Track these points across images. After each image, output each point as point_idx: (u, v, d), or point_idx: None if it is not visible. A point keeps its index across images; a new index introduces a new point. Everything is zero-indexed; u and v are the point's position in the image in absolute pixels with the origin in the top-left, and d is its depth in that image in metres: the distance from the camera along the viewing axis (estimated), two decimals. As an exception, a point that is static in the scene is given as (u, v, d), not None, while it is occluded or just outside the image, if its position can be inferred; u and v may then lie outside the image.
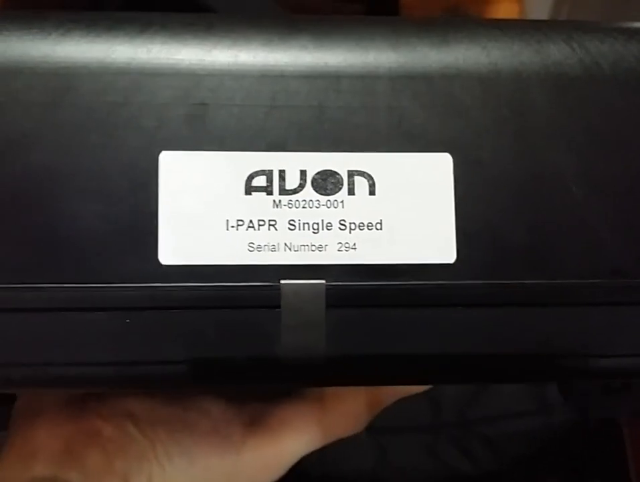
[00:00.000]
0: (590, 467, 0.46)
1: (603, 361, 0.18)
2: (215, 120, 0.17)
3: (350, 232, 0.17)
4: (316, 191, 0.17)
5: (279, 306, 0.17)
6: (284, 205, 0.17)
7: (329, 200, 0.17)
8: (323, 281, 0.17)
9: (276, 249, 0.17)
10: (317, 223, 0.17)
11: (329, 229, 0.17)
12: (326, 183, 0.17)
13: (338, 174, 0.17)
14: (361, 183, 0.17)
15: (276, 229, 0.17)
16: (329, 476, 0.43)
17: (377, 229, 0.17)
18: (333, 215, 0.17)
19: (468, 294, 0.17)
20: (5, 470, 0.21)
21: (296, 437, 0.23)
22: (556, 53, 0.18)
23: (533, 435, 0.46)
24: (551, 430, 0.46)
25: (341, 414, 0.24)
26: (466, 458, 0.46)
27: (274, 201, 0.17)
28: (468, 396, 0.43)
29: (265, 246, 0.17)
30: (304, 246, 0.17)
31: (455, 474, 0.46)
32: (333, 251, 0.17)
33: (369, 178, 0.17)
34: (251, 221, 0.17)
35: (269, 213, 0.17)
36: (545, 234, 0.18)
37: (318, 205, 0.17)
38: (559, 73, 0.18)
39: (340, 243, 0.17)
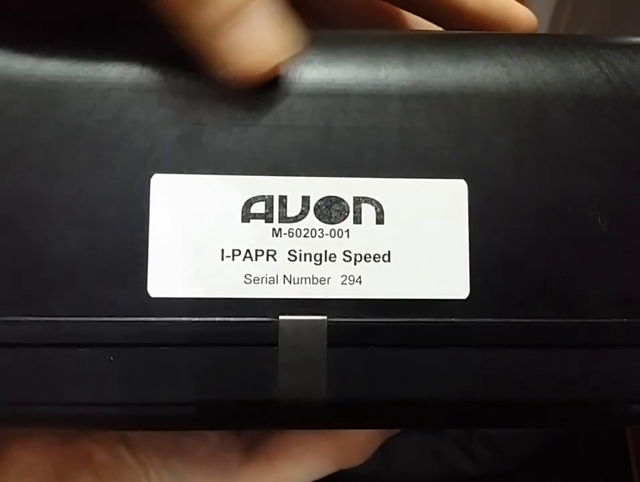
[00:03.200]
0: (592, 467, 0.46)
1: (632, 407, 0.17)
2: (211, 141, 0.16)
3: (355, 264, 0.16)
4: (320, 219, 0.16)
5: (277, 344, 0.16)
6: (285, 234, 0.16)
7: (332, 229, 0.16)
8: (325, 317, 0.16)
9: (275, 281, 0.16)
10: (320, 254, 0.16)
11: (332, 261, 0.16)
12: (330, 210, 0.16)
13: (343, 201, 0.16)
14: (368, 211, 0.16)
15: (275, 260, 0.16)
16: (333, 478, 0.42)
17: (384, 261, 0.16)
18: (336, 246, 0.16)
19: (482, 333, 0.16)
20: None
21: (295, 467, 0.22)
22: (583, 72, 0.17)
23: (536, 436, 0.46)
24: (553, 431, 0.46)
25: (344, 446, 0.23)
26: (470, 459, 0.46)
27: (274, 229, 0.16)
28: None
29: (263, 278, 0.16)
30: (305, 278, 0.16)
31: (458, 475, 0.46)
32: (336, 284, 0.16)
33: (377, 205, 0.16)
34: (248, 251, 0.16)
35: (268, 242, 0.16)
36: (567, 268, 0.16)
37: (321, 235, 0.16)
38: (585, 94, 0.17)
39: (344, 276, 0.16)
